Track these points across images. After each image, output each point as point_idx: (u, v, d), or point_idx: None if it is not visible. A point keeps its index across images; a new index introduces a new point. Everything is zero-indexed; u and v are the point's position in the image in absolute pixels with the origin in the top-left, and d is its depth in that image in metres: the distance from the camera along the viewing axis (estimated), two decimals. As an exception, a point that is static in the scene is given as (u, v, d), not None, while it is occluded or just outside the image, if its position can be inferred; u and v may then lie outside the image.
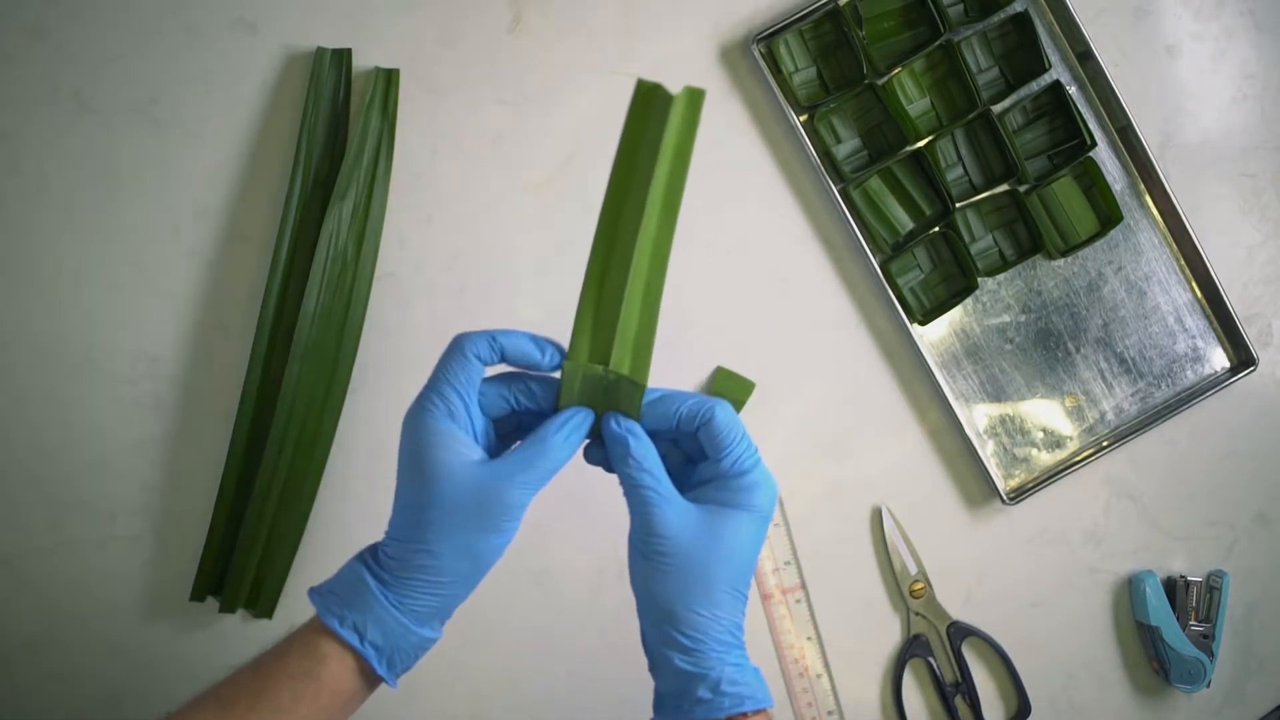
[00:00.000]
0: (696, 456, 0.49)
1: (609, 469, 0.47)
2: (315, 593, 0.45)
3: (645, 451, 0.45)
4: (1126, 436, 0.67)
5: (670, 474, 0.46)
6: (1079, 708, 0.69)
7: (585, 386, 0.45)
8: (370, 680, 0.45)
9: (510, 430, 0.48)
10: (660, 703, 0.46)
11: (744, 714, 0.44)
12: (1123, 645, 0.69)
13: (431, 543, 0.43)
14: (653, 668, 0.47)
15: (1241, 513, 0.70)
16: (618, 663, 0.65)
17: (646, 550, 0.45)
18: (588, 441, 0.48)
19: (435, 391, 0.44)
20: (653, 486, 0.45)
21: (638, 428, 0.46)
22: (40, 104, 0.62)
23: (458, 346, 0.45)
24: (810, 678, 0.66)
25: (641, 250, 0.44)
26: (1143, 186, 0.69)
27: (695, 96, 0.42)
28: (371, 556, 0.45)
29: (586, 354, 0.45)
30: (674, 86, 0.62)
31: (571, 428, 0.45)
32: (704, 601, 0.44)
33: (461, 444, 0.43)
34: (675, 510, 0.45)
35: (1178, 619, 0.67)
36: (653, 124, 0.42)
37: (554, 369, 0.46)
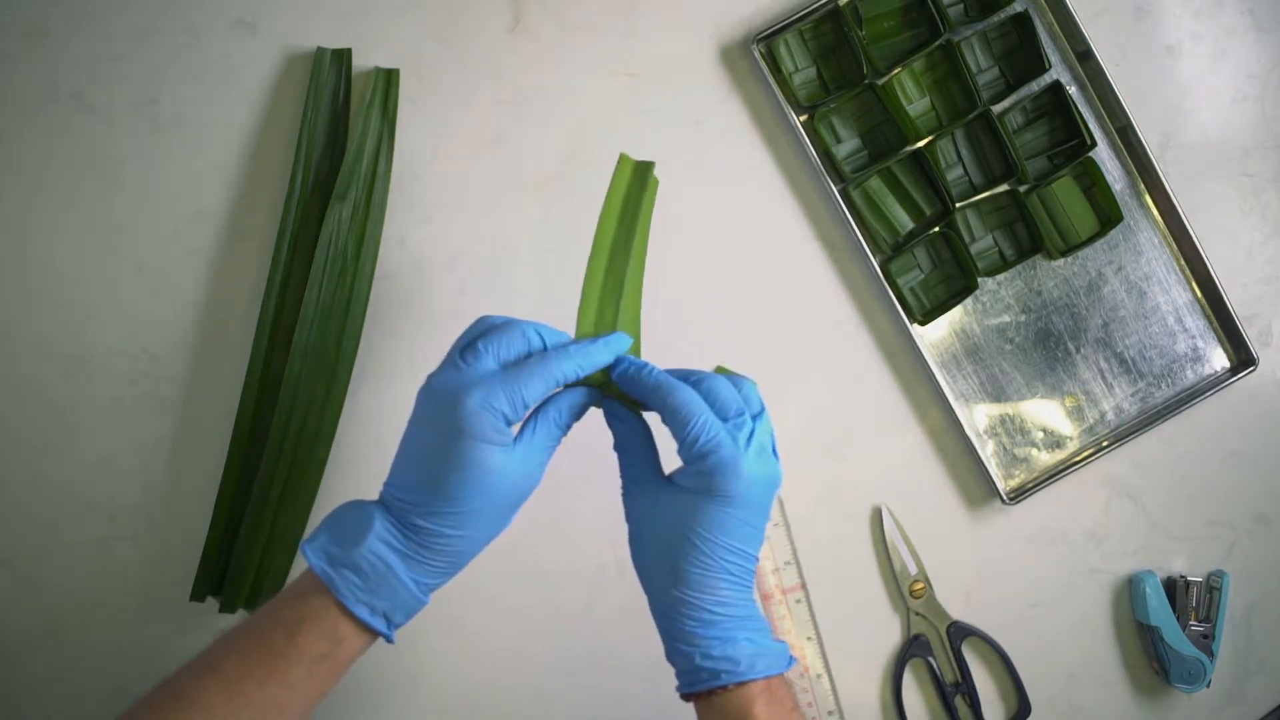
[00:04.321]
0: None
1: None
2: (330, 567, 0.44)
3: (624, 435, 0.49)
4: (1126, 436, 0.67)
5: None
6: (1079, 708, 0.69)
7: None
8: (371, 644, 0.46)
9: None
10: (669, 663, 0.49)
11: (724, 687, 0.46)
12: (1123, 645, 0.69)
13: (468, 529, 0.44)
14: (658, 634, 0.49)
15: (1241, 513, 0.70)
16: (617, 662, 0.65)
17: (632, 533, 0.48)
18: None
19: (509, 387, 0.44)
20: (627, 466, 0.49)
21: (624, 412, 0.49)
22: (40, 104, 0.62)
23: (519, 332, 0.46)
24: (810, 678, 0.66)
25: (630, 287, 0.51)
26: (1143, 186, 0.69)
27: (643, 168, 0.53)
28: (391, 534, 0.44)
29: None
30: (674, 89, 0.63)
31: (579, 408, 0.48)
32: (673, 581, 0.46)
33: (500, 431, 0.44)
34: (642, 491, 0.48)
35: (1178, 619, 0.67)
36: (632, 189, 0.53)
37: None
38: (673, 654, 0.47)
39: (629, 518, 0.49)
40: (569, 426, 0.48)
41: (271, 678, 0.43)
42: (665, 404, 0.46)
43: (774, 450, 0.48)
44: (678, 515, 0.46)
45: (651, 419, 0.50)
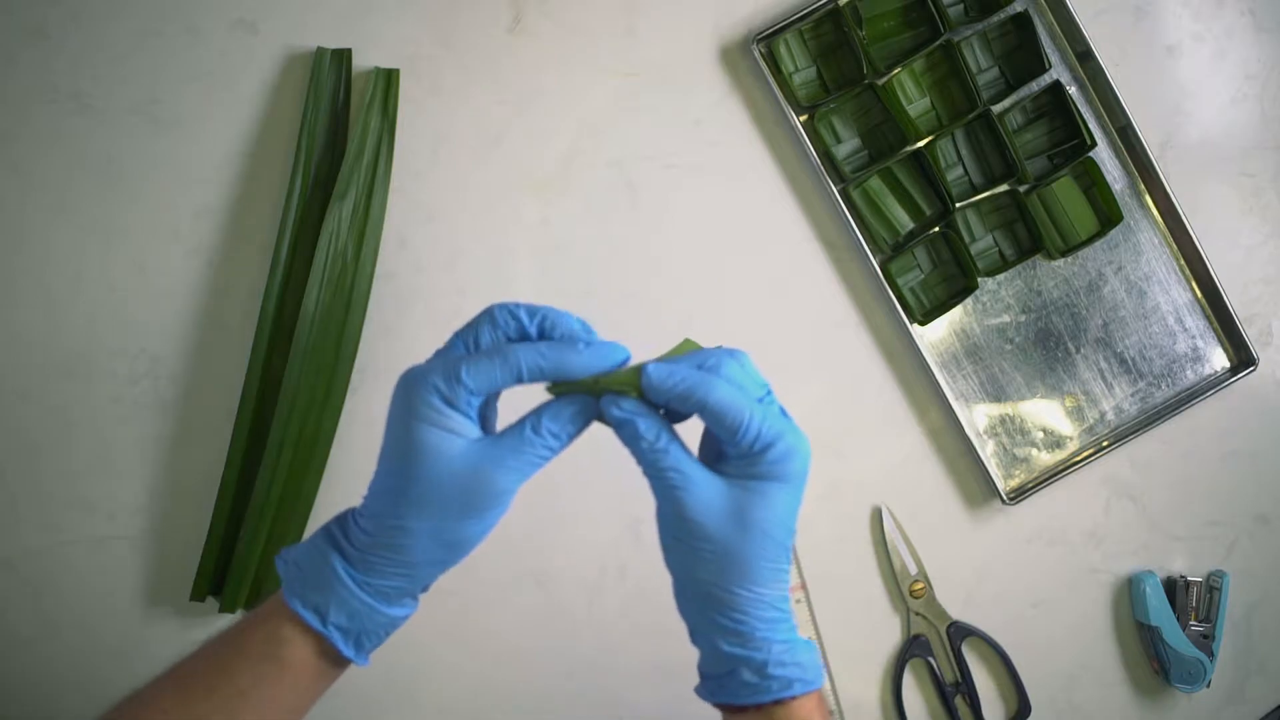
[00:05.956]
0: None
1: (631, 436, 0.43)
2: (283, 561, 0.42)
3: (656, 430, 0.41)
4: (1126, 436, 0.67)
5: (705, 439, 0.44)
6: (1079, 708, 0.69)
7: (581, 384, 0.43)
8: (337, 660, 0.43)
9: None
10: (705, 678, 0.44)
11: (794, 696, 0.41)
12: (1123, 645, 0.69)
13: (407, 521, 0.40)
14: (694, 640, 0.44)
15: (1241, 513, 0.70)
16: (619, 664, 0.65)
17: (679, 534, 0.42)
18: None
19: (448, 365, 0.40)
20: (674, 467, 0.41)
21: (641, 406, 0.42)
22: (40, 104, 0.62)
23: (488, 316, 0.42)
24: (810, 678, 0.66)
25: None
26: (1143, 186, 0.69)
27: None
28: (340, 529, 0.42)
29: None
30: (674, 89, 0.62)
31: (568, 417, 0.42)
32: (745, 581, 0.41)
33: (454, 421, 0.40)
34: (703, 490, 0.41)
35: (1178, 619, 0.67)
36: None
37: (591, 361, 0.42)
38: (726, 661, 0.42)
39: (669, 516, 0.42)
40: (552, 438, 0.42)
41: (220, 680, 0.41)
42: (705, 405, 0.40)
43: None
44: (742, 508, 0.41)
45: None
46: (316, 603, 0.41)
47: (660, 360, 0.43)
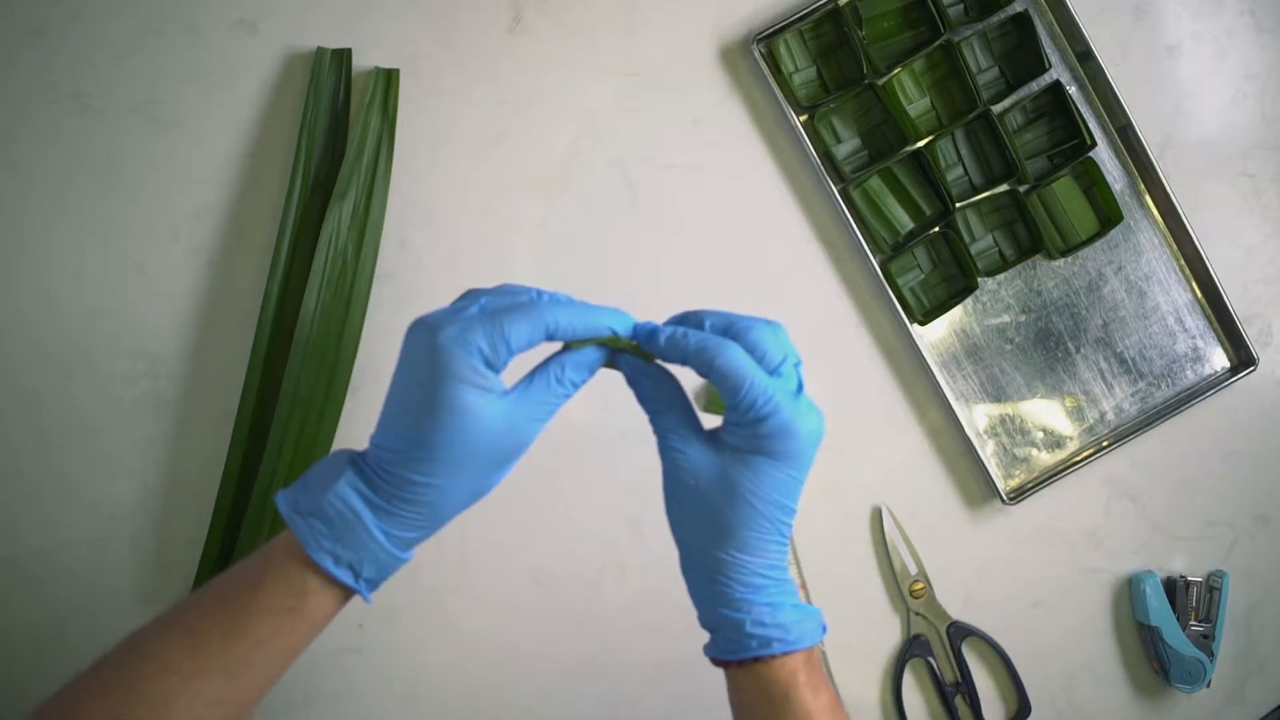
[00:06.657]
0: None
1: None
2: (300, 516, 0.42)
3: (655, 393, 0.45)
4: (1126, 436, 0.67)
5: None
6: (1079, 708, 0.69)
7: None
8: (345, 602, 0.43)
9: None
10: (704, 627, 0.47)
11: (773, 655, 0.44)
12: (1123, 645, 0.69)
13: (440, 479, 0.41)
14: (692, 598, 0.47)
15: (1241, 513, 0.70)
16: (619, 663, 0.65)
17: (675, 493, 0.45)
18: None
19: (489, 324, 0.41)
20: (671, 429, 0.44)
21: (652, 367, 0.45)
22: (40, 104, 0.62)
23: (543, 312, 0.41)
24: (810, 678, 0.66)
25: None
26: (1143, 186, 0.69)
27: None
28: (363, 480, 0.42)
29: None
30: (674, 89, 0.62)
31: (586, 367, 0.44)
32: (728, 546, 0.44)
33: (492, 381, 0.41)
34: (694, 453, 0.44)
35: (1178, 619, 0.67)
36: None
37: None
38: (713, 618, 0.45)
39: (668, 476, 0.45)
40: (572, 386, 0.44)
41: (234, 634, 0.41)
42: (713, 367, 0.42)
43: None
44: (729, 476, 0.43)
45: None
46: (349, 560, 0.41)
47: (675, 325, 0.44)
